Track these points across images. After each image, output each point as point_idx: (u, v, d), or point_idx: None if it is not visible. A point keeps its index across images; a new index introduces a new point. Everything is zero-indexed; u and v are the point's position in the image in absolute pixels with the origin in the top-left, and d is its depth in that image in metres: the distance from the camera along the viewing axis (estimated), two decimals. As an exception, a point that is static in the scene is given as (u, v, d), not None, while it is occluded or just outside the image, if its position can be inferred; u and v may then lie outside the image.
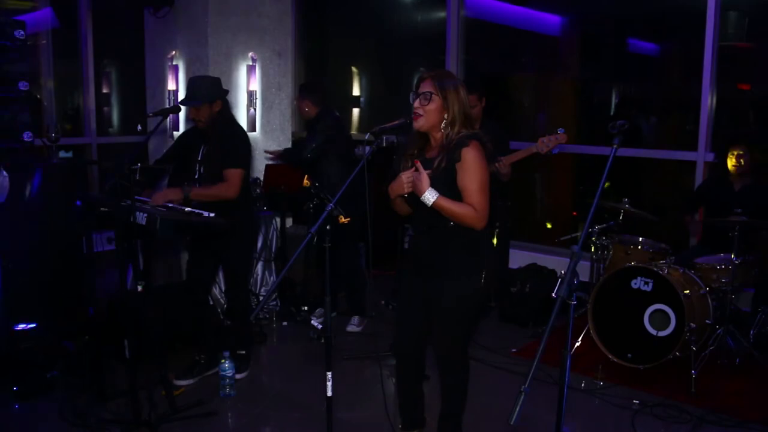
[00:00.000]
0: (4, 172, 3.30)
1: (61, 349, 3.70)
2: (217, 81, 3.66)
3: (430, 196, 2.42)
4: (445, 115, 2.49)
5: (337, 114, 4.62)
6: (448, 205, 2.43)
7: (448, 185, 2.46)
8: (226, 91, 3.68)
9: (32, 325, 3.61)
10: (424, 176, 2.43)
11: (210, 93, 3.54)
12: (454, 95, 2.48)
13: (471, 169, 2.44)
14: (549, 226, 6.19)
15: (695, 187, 4.59)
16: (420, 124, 2.51)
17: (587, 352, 3.98)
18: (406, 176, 2.49)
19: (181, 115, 5.25)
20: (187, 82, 3.62)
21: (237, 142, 3.63)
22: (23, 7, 6.17)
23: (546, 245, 5.50)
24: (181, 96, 5.88)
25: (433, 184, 2.44)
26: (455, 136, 2.48)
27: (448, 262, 2.56)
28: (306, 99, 4.49)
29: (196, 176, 3.61)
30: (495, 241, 4.52)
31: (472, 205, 2.44)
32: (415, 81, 2.58)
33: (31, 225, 3.81)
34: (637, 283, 3.79)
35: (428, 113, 2.48)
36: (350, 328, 4.55)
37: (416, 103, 2.50)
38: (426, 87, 2.49)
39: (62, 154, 4.20)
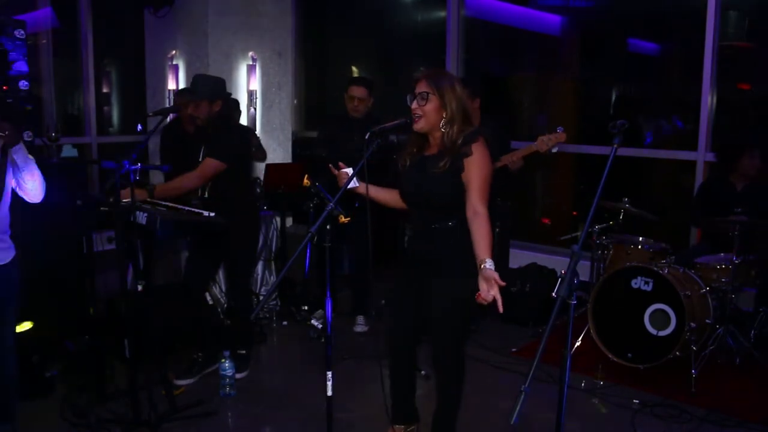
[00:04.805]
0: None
1: (61, 349, 3.70)
2: (221, 81, 3.66)
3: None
4: (444, 114, 2.49)
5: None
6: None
7: (453, 183, 2.48)
8: (229, 94, 3.66)
9: (32, 325, 3.61)
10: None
11: (212, 90, 3.53)
12: (451, 93, 2.48)
13: (477, 165, 2.45)
14: (547, 221, 6.18)
15: (696, 188, 4.58)
16: (420, 125, 2.52)
17: (587, 352, 3.98)
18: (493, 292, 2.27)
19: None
20: (191, 79, 3.62)
21: (230, 137, 3.59)
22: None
23: (546, 245, 5.50)
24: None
25: (438, 184, 2.49)
26: (456, 135, 2.48)
27: (446, 262, 2.56)
28: None
29: None
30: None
31: (474, 202, 2.43)
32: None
33: (31, 225, 3.80)
34: (637, 282, 3.79)
35: (427, 114, 2.49)
36: (358, 329, 4.55)
37: (414, 104, 2.51)
38: (422, 87, 2.49)
39: (68, 151, 4.19)
